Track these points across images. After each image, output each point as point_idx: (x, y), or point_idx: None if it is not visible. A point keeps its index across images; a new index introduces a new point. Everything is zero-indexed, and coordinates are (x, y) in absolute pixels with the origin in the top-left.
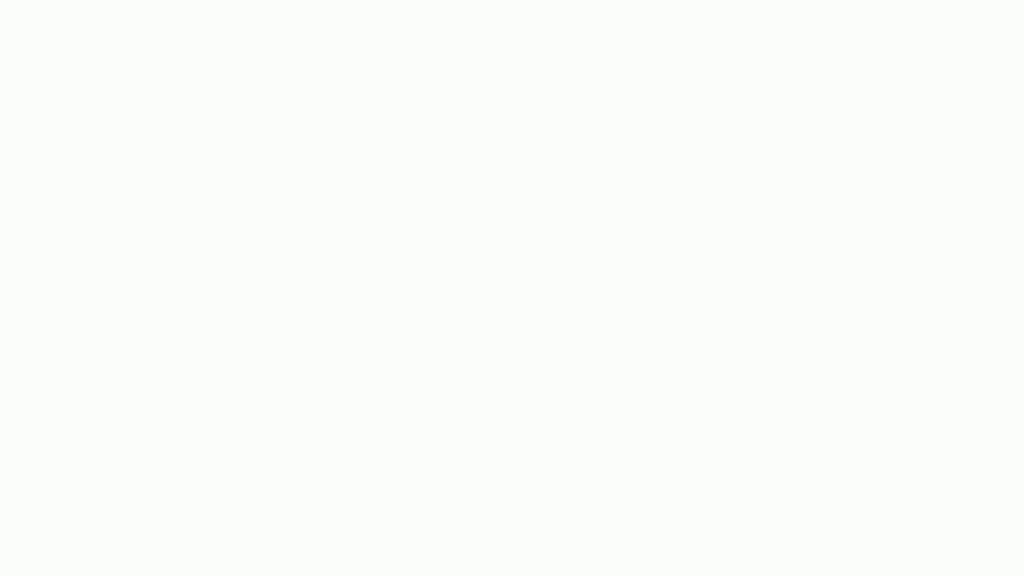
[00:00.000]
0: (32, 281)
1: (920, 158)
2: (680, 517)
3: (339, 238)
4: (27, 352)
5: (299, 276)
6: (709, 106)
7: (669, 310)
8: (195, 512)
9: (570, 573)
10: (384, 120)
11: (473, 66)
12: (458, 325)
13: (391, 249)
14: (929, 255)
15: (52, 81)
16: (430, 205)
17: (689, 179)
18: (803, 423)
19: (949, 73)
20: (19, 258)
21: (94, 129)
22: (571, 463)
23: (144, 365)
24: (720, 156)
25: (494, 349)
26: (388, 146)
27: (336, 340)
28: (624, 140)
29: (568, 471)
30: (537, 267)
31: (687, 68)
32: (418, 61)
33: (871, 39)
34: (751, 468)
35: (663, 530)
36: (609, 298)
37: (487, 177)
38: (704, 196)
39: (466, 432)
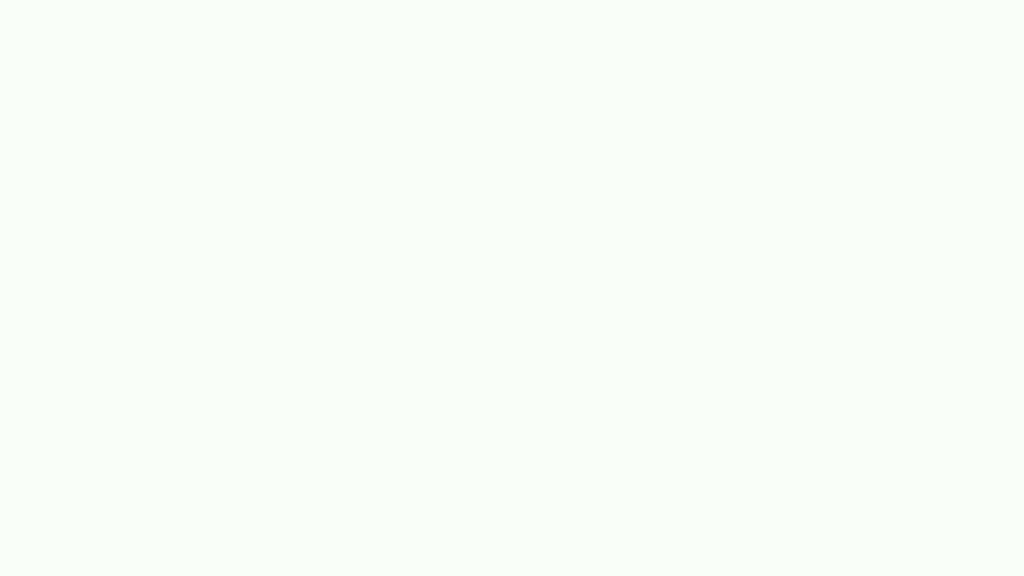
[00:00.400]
0: (32, 281)
1: (920, 158)
2: (680, 517)
3: (339, 238)
4: (27, 352)
5: (299, 276)
6: (709, 106)
7: (669, 310)
8: (195, 512)
9: (569, 573)
10: (384, 120)
11: (473, 66)
12: (458, 325)
13: (391, 249)
14: (929, 255)
15: (52, 81)
16: (430, 205)
17: (689, 179)
18: (803, 423)
19: (949, 73)
20: (19, 258)
21: (94, 129)
22: (570, 463)
23: (144, 365)
24: (720, 156)
25: (494, 349)
26: (388, 146)
27: (336, 340)
28: (624, 140)
29: (567, 471)
30: (537, 267)
31: (687, 68)
32: (418, 61)
33: (871, 39)
34: (751, 468)
35: (663, 530)
36: (609, 298)
37: (487, 177)
38: (704, 196)
39: (466, 432)
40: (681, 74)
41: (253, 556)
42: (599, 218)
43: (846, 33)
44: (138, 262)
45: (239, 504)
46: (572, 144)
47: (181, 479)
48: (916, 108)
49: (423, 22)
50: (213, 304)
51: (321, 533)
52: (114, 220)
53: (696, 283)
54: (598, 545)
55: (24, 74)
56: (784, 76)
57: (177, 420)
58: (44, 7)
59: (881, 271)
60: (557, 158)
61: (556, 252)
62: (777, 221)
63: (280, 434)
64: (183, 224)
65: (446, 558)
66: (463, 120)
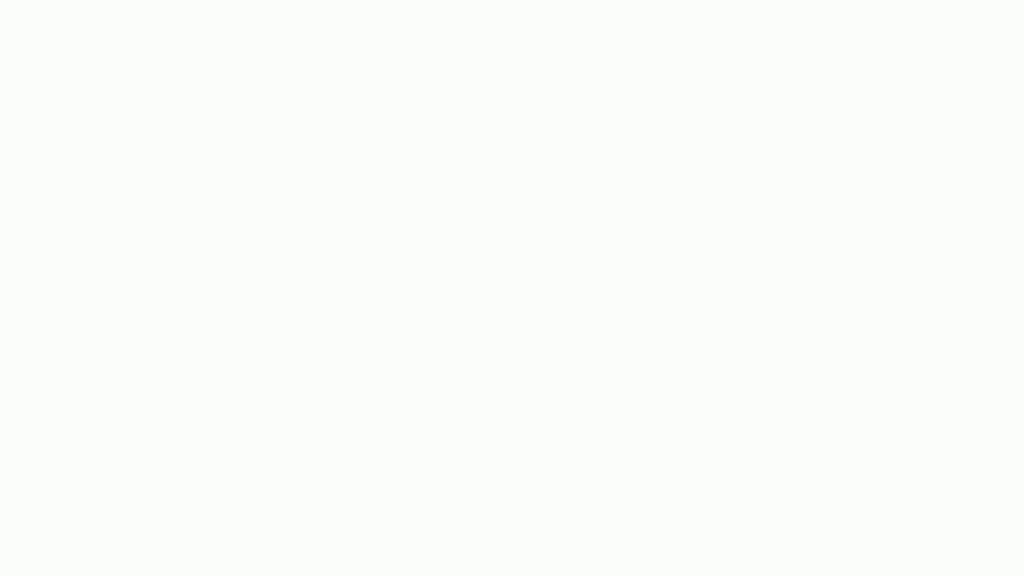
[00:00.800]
0: (32, 281)
1: (920, 158)
2: (680, 517)
3: (339, 238)
4: (27, 352)
5: (299, 276)
6: (709, 106)
7: (669, 310)
8: (195, 512)
9: (569, 573)
10: (384, 120)
11: (473, 66)
12: (458, 325)
13: (391, 249)
14: (929, 255)
15: (52, 81)
16: (430, 205)
17: (689, 179)
18: (803, 423)
19: (949, 73)
20: (19, 258)
21: (94, 129)
22: (570, 463)
23: (144, 365)
24: (720, 156)
25: (494, 349)
26: (388, 146)
27: (336, 340)
28: (624, 140)
29: (568, 471)
30: (537, 267)
31: (687, 68)
32: (418, 61)
33: (871, 39)
34: (751, 468)
35: (663, 530)
36: (609, 298)
37: (487, 177)
38: (704, 196)
39: (466, 432)
40: (681, 74)
41: (253, 556)
42: (599, 218)
43: (846, 33)
44: (138, 262)
45: (239, 504)
46: (572, 144)
47: (181, 479)
48: (916, 108)
49: (423, 22)
50: (213, 304)
51: (321, 533)
52: (114, 220)
53: (696, 283)
54: (597, 545)
55: (24, 74)
56: (784, 76)
57: (177, 420)
58: (44, 7)
59: (881, 271)
60: (557, 158)
61: (556, 252)
62: (777, 221)
63: (280, 434)
64: (183, 224)
65: (446, 558)
66: (463, 120)
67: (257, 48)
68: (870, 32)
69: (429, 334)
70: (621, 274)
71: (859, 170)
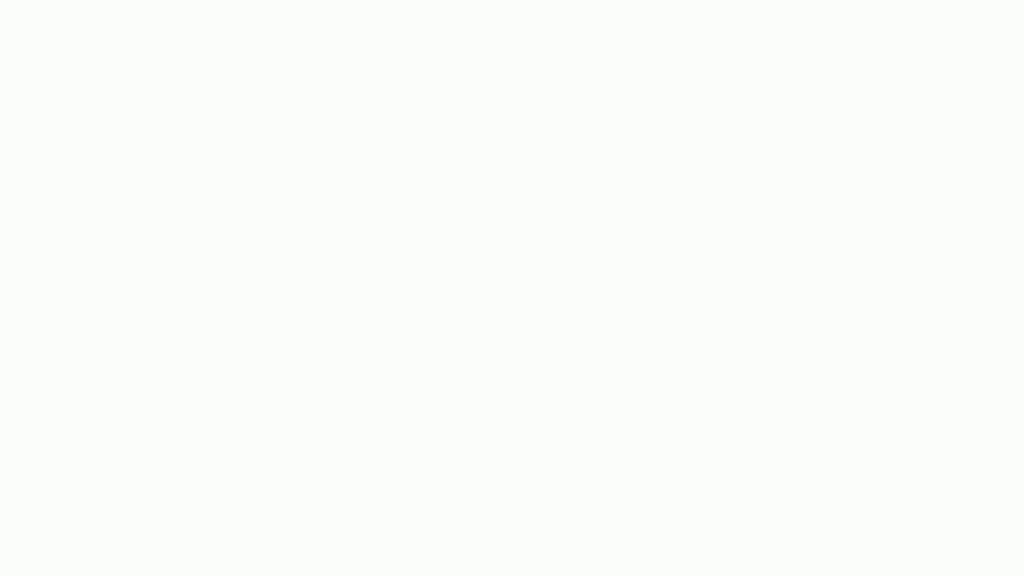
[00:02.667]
0: (32, 281)
1: (920, 158)
2: (680, 517)
3: (339, 238)
4: (27, 352)
5: (299, 276)
6: (709, 106)
7: (669, 310)
8: (195, 512)
9: (569, 573)
10: (384, 120)
11: (473, 66)
12: (458, 325)
13: (391, 249)
14: (929, 255)
15: (52, 81)
16: (430, 205)
17: (689, 179)
18: (803, 423)
19: (949, 73)
20: (19, 258)
21: (94, 129)
22: (571, 464)
23: (144, 365)
24: (720, 156)
25: (494, 349)
26: (388, 146)
27: (336, 340)
28: (624, 140)
29: (568, 472)
30: (537, 267)
31: (687, 68)
32: (418, 61)
33: (871, 39)
34: (751, 468)
35: (663, 530)
36: (609, 298)
37: (487, 177)
38: (704, 196)
39: (466, 432)
40: (681, 74)
41: (253, 556)
42: (599, 218)
43: (846, 33)
44: (138, 262)
45: (239, 504)
46: (572, 144)
47: (181, 479)
48: (916, 108)
49: (423, 22)
50: (213, 304)
51: (321, 533)
52: (114, 220)
53: (696, 283)
54: (597, 545)
55: (24, 74)
56: (784, 76)
57: (177, 420)
58: (44, 7)
59: (881, 271)
60: (557, 158)
61: (556, 252)
62: (777, 221)
63: (280, 434)
64: (183, 224)
65: (445, 558)
66: (463, 120)
67: (257, 48)
68: (870, 32)
69: (428, 333)
70: (621, 274)
71: (859, 170)
